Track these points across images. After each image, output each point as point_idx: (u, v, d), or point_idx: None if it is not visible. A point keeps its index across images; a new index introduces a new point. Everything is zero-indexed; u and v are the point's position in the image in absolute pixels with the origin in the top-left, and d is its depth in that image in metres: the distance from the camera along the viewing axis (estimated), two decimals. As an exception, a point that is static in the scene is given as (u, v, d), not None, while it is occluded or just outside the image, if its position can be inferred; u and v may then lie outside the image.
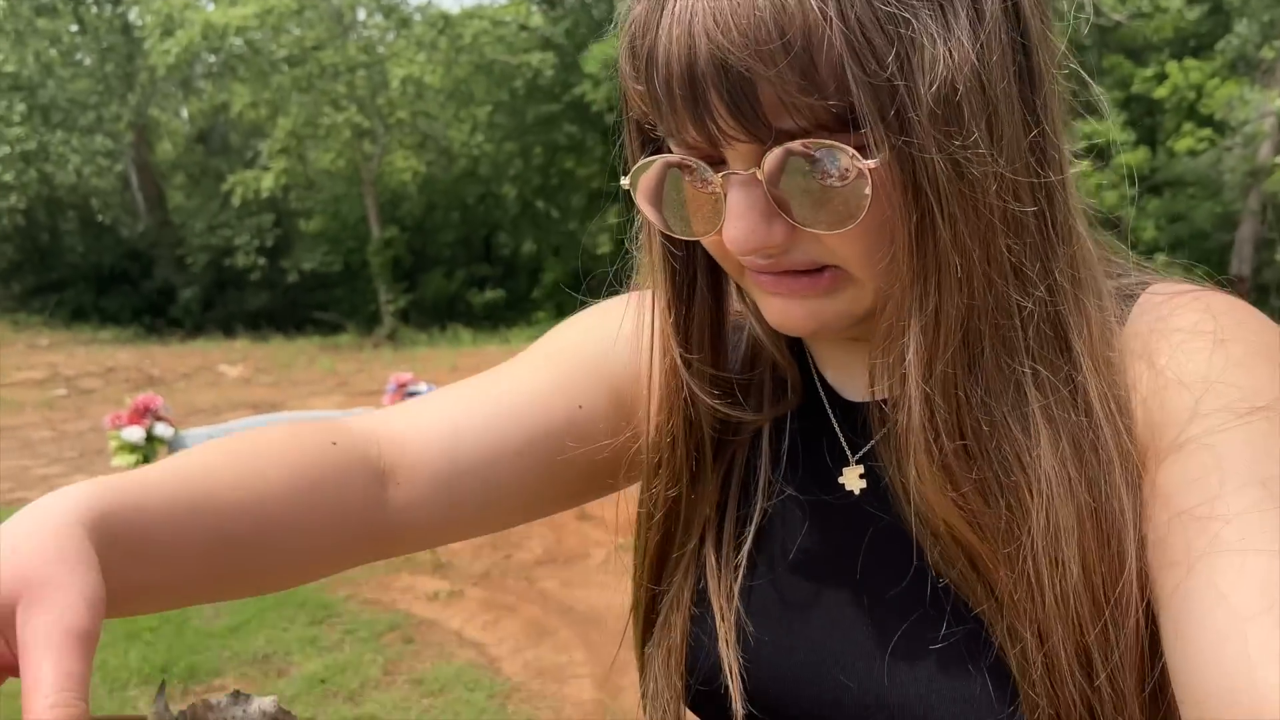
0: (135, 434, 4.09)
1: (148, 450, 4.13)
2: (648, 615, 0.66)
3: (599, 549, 4.07)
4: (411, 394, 4.61)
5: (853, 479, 0.59)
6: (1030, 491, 0.49)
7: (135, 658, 3.26)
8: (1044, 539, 0.49)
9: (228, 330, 14.41)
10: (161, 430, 4.18)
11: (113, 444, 4.21)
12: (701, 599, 0.62)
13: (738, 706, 0.57)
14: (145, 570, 0.47)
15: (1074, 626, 0.48)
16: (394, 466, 0.60)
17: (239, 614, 3.53)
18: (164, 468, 0.51)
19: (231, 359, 11.41)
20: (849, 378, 0.61)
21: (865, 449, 0.59)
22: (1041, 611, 0.49)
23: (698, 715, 0.61)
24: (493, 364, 0.67)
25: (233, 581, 0.54)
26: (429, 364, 8.85)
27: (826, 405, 0.61)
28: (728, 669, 0.58)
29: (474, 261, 15.93)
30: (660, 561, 0.65)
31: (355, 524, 0.58)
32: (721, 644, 0.59)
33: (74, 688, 0.38)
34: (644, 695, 0.63)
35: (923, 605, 0.54)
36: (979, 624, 0.52)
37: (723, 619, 0.60)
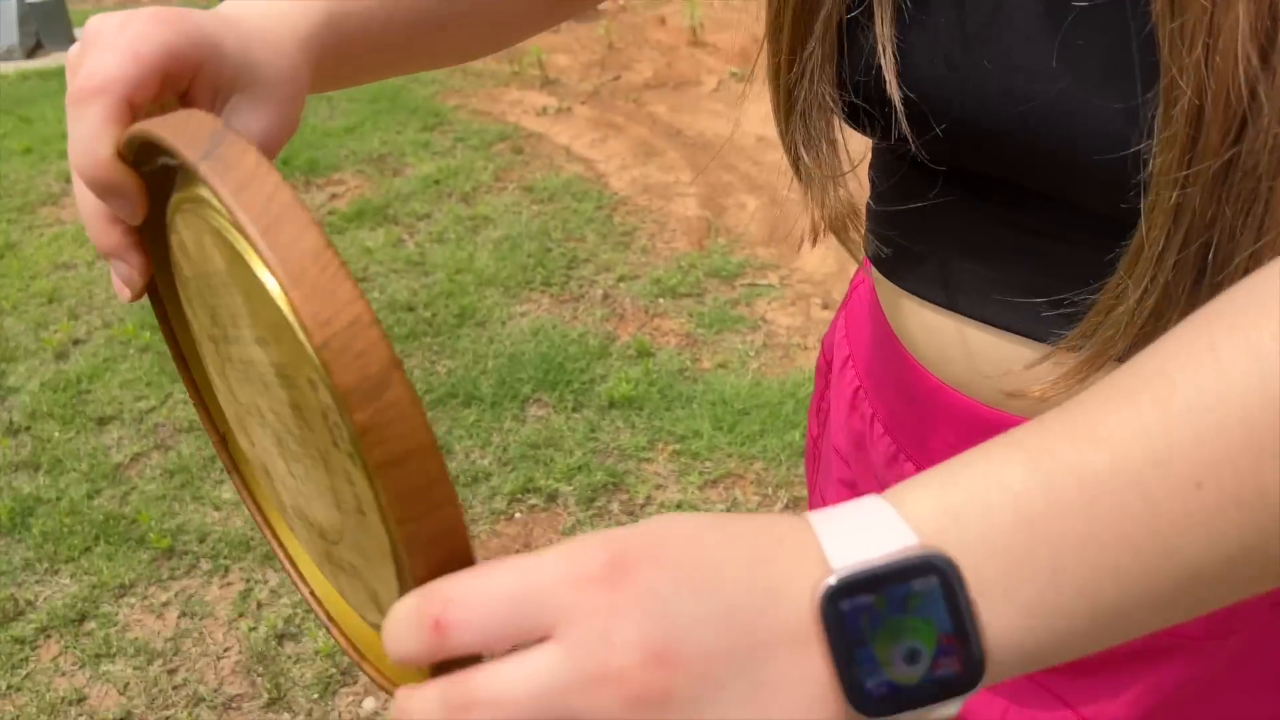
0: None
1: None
2: (795, 22, 0.56)
3: (711, 76, 3.93)
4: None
5: None
6: None
7: (259, 150, 3.39)
8: None
9: None
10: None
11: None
12: None
13: (893, 93, 0.50)
14: (348, 70, 0.49)
15: None
16: None
17: (354, 115, 3.58)
18: None
19: None
20: None
21: None
22: None
23: (854, 124, 0.54)
24: None
25: (426, 61, 0.55)
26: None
27: None
28: (881, 48, 0.50)
29: None
30: None
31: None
32: (878, 22, 0.50)
33: None
34: (793, 112, 0.55)
35: None
36: None
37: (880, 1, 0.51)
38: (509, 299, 2.60)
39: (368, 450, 0.28)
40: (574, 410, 2.21)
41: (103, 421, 2.23)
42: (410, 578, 0.30)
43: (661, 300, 2.58)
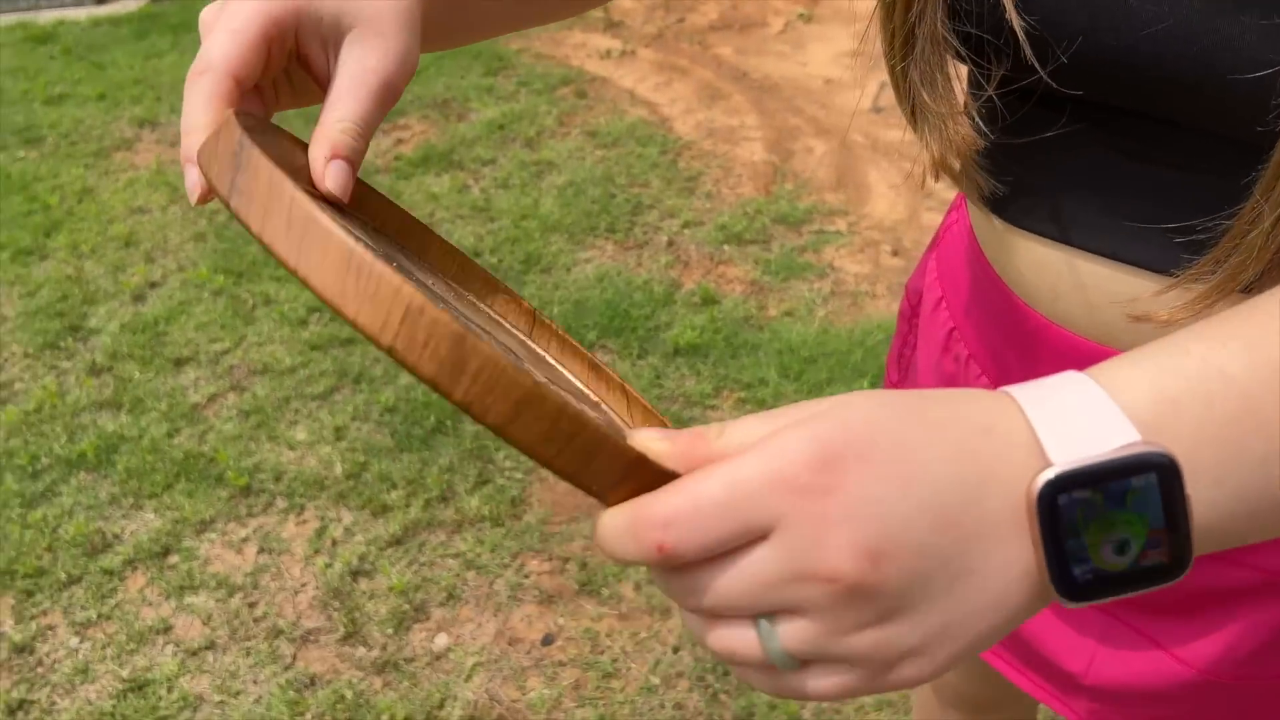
0: None
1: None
2: None
3: (778, 18, 3.85)
4: None
5: None
6: None
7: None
8: None
9: None
10: None
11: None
12: None
13: (1013, 19, 0.47)
14: (461, 16, 0.51)
15: None
16: None
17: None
18: None
19: None
20: None
21: None
22: None
23: (973, 58, 0.52)
24: None
25: (535, 16, 0.57)
26: None
27: None
28: None
29: None
30: None
31: None
32: None
33: (362, 125, 0.41)
34: (911, 52, 0.52)
35: None
36: None
37: None
38: (573, 245, 2.60)
39: (480, 420, 0.29)
40: (639, 357, 2.21)
41: (180, 363, 2.29)
42: (598, 495, 0.32)
43: (727, 247, 2.56)
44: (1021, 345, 0.59)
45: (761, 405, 2.05)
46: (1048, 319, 0.56)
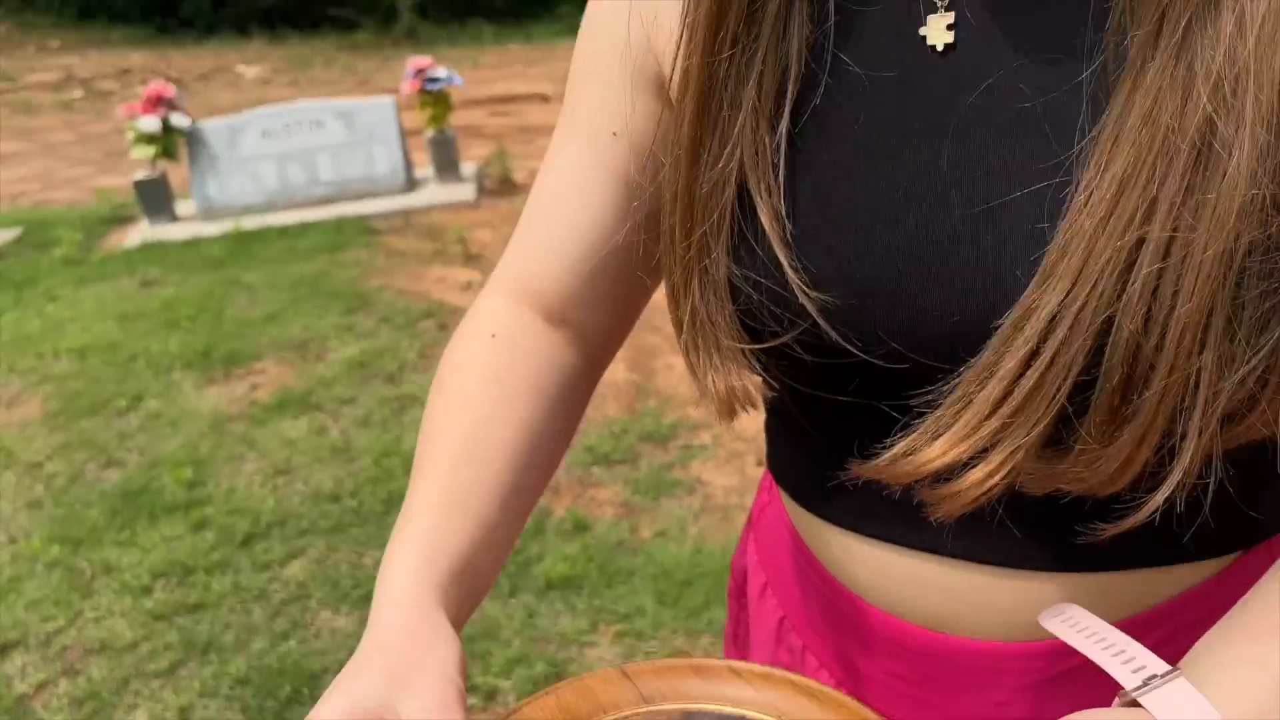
0: (151, 124, 3.96)
1: (166, 142, 4.01)
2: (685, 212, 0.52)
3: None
4: (431, 80, 4.39)
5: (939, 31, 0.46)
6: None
7: (176, 344, 3.33)
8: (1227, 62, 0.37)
9: (242, 29, 13.78)
10: (178, 121, 4.04)
11: (130, 136, 4.10)
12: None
13: (805, 300, 0.46)
14: (480, 582, 0.52)
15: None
16: (559, 319, 0.59)
17: (274, 303, 3.56)
18: (467, 490, 0.52)
19: (248, 59, 10.98)
20: None
21: None
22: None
23: (751, 335, 0.50)
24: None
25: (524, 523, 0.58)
26: (449, 61, 8.40)
27: None
28: (788, 266, 0.47)
29: (494, -50, 14.78)
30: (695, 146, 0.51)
31: (576, 393, 0.60)
32: (772, 240, 0.48)
33: None
34: (692, 321, 0.51)
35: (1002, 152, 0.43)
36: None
37: (768, 194, 0.48)
38: (439, 480, 2.53)
39: None
40: (510, 596, 2.12)
41: (6, 649, 2.08)
42: None
43: (596, 468, 2.54)
44: (858, 636, 0.56)
45: (640, 637, 1.97)
46: (883, 611, 0.53)
